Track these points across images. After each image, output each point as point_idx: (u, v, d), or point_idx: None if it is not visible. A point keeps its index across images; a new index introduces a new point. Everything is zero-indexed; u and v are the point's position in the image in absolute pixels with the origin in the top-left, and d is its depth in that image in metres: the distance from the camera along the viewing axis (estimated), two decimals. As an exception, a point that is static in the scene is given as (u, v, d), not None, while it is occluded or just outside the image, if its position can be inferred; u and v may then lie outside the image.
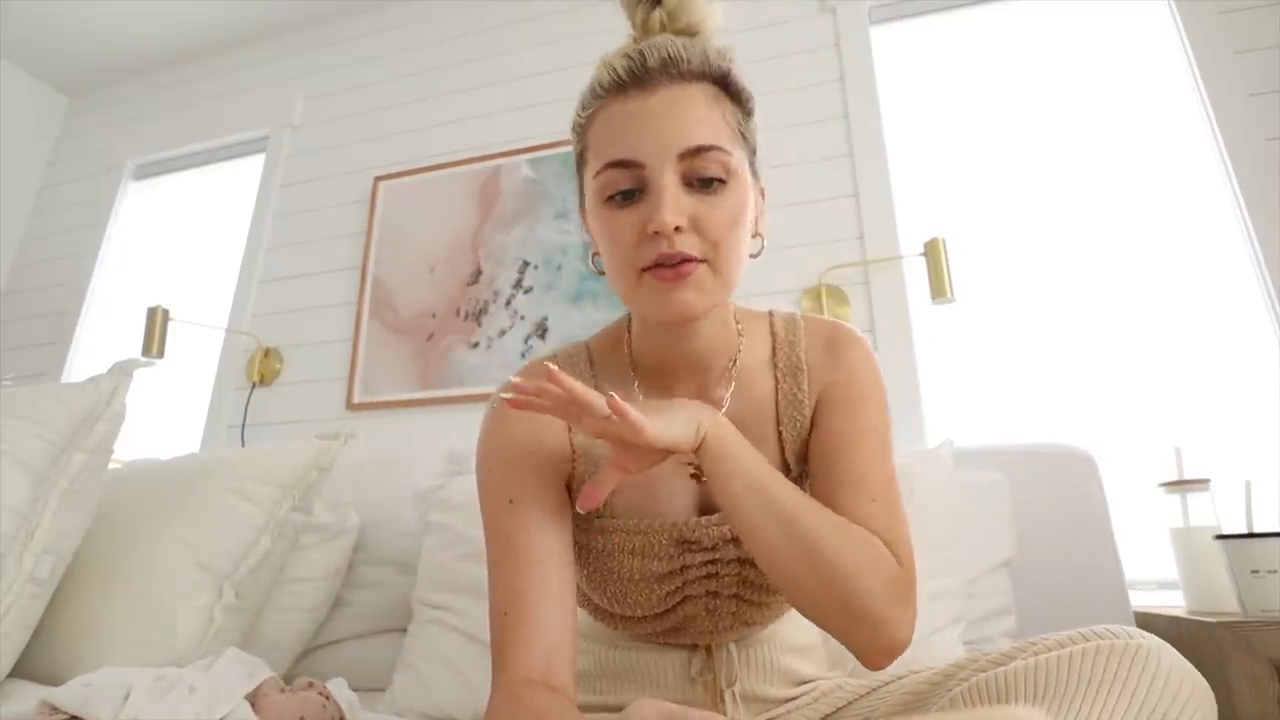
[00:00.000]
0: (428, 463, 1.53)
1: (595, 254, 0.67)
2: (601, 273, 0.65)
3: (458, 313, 1.95)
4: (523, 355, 1.86)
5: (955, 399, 1.57)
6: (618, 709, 0.69)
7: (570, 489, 0.66)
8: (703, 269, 0.58)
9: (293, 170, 2.33)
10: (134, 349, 2.02)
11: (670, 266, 0.57)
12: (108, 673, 0.70)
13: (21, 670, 0.99)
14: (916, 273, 1.62)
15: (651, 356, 0.68)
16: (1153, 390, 1.45)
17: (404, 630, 1.24)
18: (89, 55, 2.62)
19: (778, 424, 0.68)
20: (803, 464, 0.68)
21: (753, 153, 0.64)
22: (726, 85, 0.61)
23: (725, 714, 0.68)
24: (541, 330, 1.87)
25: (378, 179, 2.16)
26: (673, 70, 0.59)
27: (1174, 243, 1.52)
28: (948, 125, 1.77)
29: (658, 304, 0.59)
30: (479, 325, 1.92)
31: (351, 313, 2.05)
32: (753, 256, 0.64)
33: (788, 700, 0.72)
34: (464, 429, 1.74)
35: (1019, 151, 1.69)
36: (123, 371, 1.08)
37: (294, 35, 2.51)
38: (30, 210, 2.66)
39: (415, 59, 2.30)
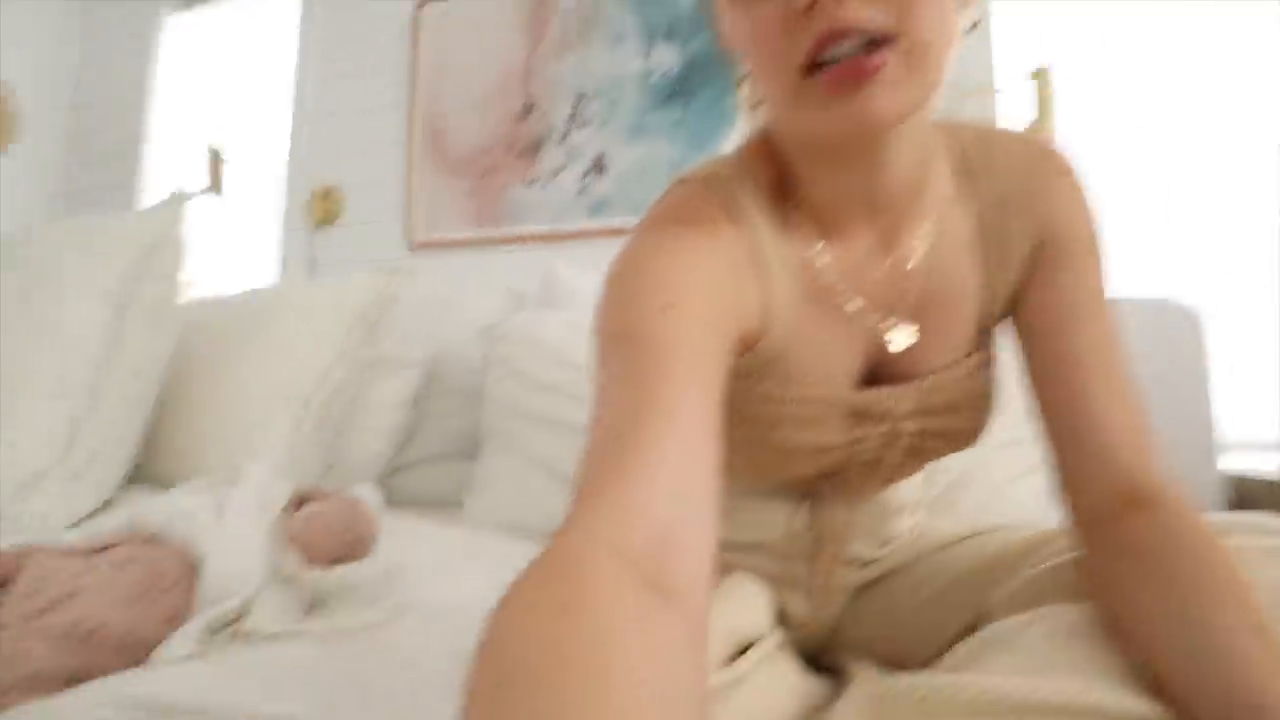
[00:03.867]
0: (490, 301, 1.54)
1: (740, 78, 0.52)
2: (755, 106, 0.51)
3: (512, 149, 1.87)
4: (580, 193, 1.79)
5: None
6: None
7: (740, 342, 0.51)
8: (896, 54, 0.40)
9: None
10: (198, 188, 2.03)
11: (845, 64, 0.41)
12: (179, 494, 0.76)
13: (141, 477, 1.10)
14: (1014, 107, 1.45)
15: (820, 193, 0.52)
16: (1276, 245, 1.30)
17: (474, 456, 1.30)
18: None
19: (982, 275, 0.54)
20: (999, 324, 0.57)
21: None
22: None
23: (820, 574, 0.65)
24: (599, 167, 1.78)
25: (419, 5, 2.01)
26: None
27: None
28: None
29: (826, 119, 0.43)
30: (534, 162, 1.85)
31: (405, 151, 1.99)
32: (966, 32, 0.45)
33: (879, 560, 0.69)
34: (521, 268, 1.72)
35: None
36: (175, 202, 1.08)
37: None
38: (79, 47, 2.61)
39: None
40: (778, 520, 0.65)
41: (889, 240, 0.53)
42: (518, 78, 1.89)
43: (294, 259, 2.08)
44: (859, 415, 0.55)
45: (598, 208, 1.76)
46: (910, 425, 0.56)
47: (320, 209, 2.04)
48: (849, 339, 0.55)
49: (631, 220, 1.68)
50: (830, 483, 0.62)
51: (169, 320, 1.09)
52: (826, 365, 0.55)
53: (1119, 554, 0.45)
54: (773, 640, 0.57)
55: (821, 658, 0.66)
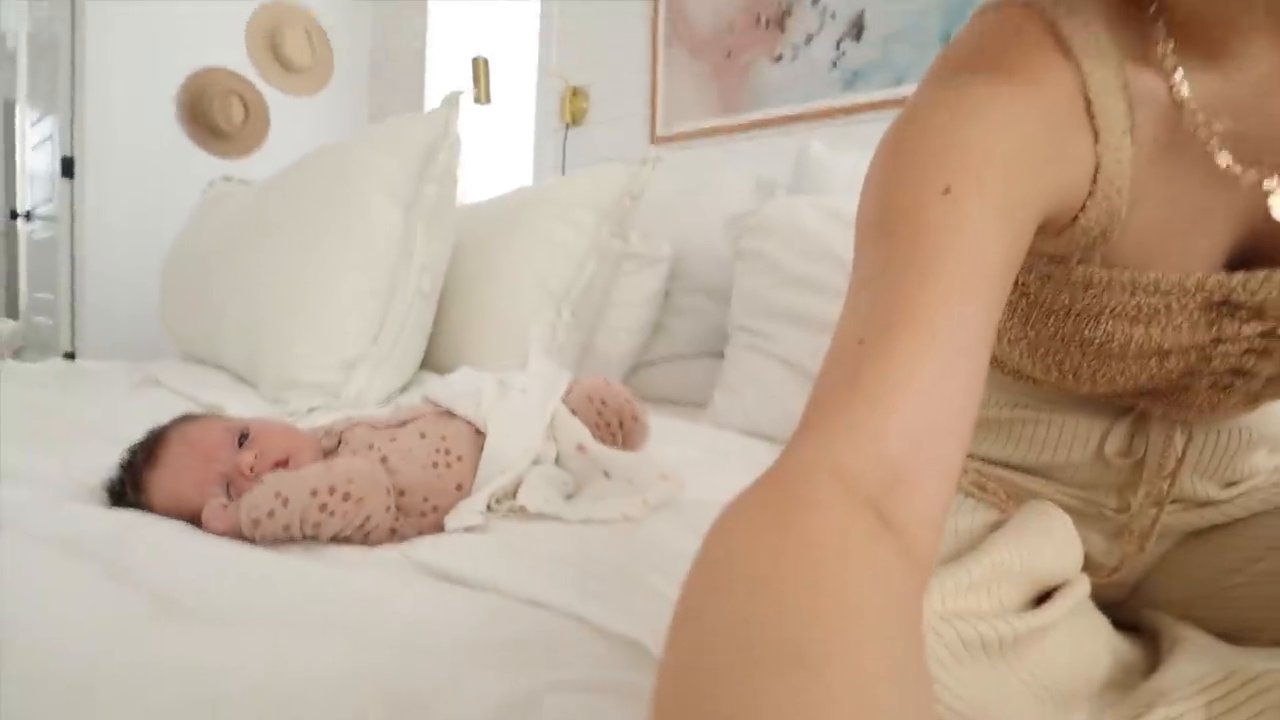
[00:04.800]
0: (736, 190, 1.46)
1: None
2: None
3: (758, 20, 1.71)
4: (834, 65, 1.59)
5: None
6: (1001, 464, 0.56)
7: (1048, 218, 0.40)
8: None
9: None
10: (467, 99, 2.20)
11: None
12: (463, 374, 0.82)
13: (428, 363, 1.25)
14: None
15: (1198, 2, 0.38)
16: None
17: (720, 355, 1.28)
18: None
19: None
20: None
21: None
22: None
23: (1137, 513, 0.52)
24: (857, 30, 1.56)
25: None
26: None
27: None
28: None
29: None
30: (782, 31, 1.67)
31: (648, 39, 1.93)
32: None
33: (1219, 503, 0.54)
34: (769, 155, 1.61)
35: None
36: (449, 103, 1.15)
37: None
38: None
39: None
40: (1086, 440, 0.52)
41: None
42: (763, -65, 1.70)
43: (545, 161, 2.18)
44: (1225, 306, 0.42)
45: (854, 79, 1.56)
46: None
47: (570, 109, 2.09)
48: (1219, 203, 0.41)
49: (897, 92, 1.45)
50: (1166, 401, 0.48)
51: (449, 219, 1.20)
52: (1182, 240, 0.42)
53: None
54: (1082, 587, 0.47)
55: (1117, 613, 0.53)
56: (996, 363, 0.53)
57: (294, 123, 2.72)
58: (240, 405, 1.05)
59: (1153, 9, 0.39)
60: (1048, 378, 0.49)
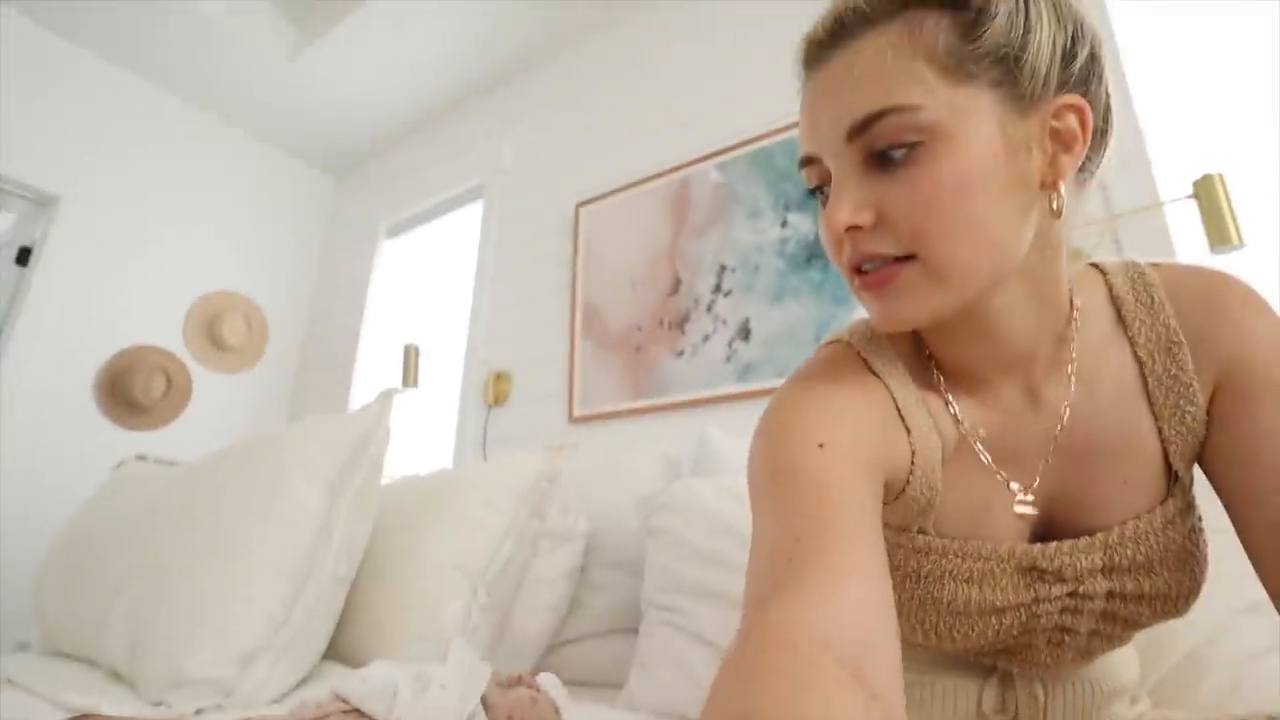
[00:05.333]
0: (646, 469, 1.58)
1: None
2: None
3: (661, 323, 2.01)
4: (727, 360, 1.85)
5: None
6: None
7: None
8: (910, 270, 0.45)
9: (506, 209, 2.57)
10: (396, 381, 2.35)
11: (869, 275, 0.47)
12: (378, 667, 0.80)
13: (332, 653, 1.19)
14: (1184, 220, 1.36)
15: (951, 359, 0.53)
16: None
17: (636, 630, 1.28)
18: (343, 140, 3.14)
19: (1155, 420, 0.52)
20: (1190, 471, 0.53)
21: (1012, 75, 0.43)
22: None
23: None
24: (744, 332, 1.85)
25: (579, 205, 2.30)
26: (845, 27, 0.46)
27: None
28: (1214, 35, 1.46)
29: (873, 317, 0.49)
30: (682, 333, 1.96)
31: (566, 333, 2.20)
32: (1055, 215, 0.46)
33: None
34: (674, 435, 1.78)
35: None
36: (386, 399, 1.26)
37: (496, 90, 2.79)
38: (315, 276, 3.23)
39: (600, 90, 2.43)
40: (966, 698, 0.59)
41: (1033, 392, 0.52)
42: (665, 257, 2.06)
43: (469, 438, 2.28)
44: (1034, 572, 0.51)
45: (745, 372, 1.81)
46: (1099, 585, 0.51)
47: (494, 391, 2.26)
48: (1001, 492, 0.53)
49: (779, 382, 1.70)
50: (1017, 659, 0.56)
51: (371, 505, 1.24)
52: (985, 516, 0.53)
53: None
54: None
55: None
56: None
57: (213, 398, 2.77)
58: (113, 709, 0.95)
59: (928, 356, 0.55)
60: (914, 638, 0.56)
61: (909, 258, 0.45)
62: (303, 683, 1.10)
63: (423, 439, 2.45)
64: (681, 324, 1.97)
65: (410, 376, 2.26)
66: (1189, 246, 1.34)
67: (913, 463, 0.51)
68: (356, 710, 0.74)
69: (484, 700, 0.79)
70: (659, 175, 2.15)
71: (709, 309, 1.93)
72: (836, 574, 0.36)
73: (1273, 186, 1.32)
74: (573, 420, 2.06)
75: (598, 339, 2.11)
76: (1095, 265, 0.57)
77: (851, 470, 0.44)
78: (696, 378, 1.89)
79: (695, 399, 1.86)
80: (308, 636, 1.09)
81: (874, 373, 0.53)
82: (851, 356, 0.54)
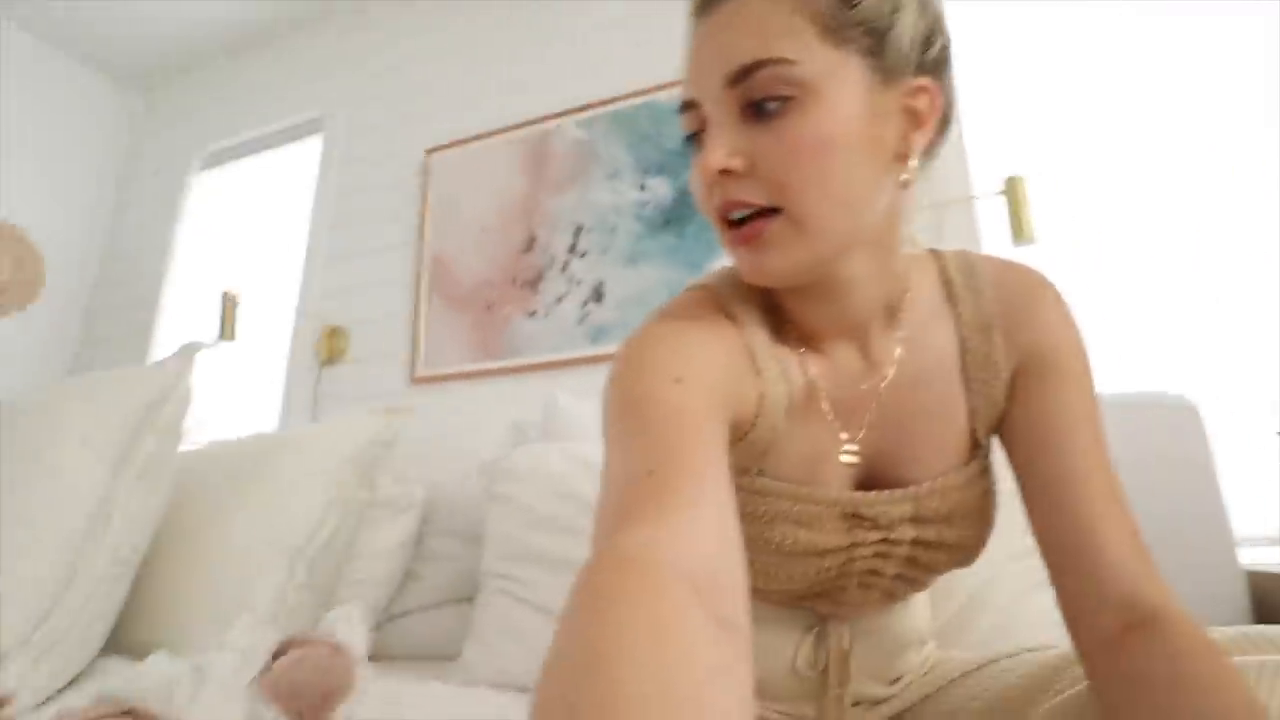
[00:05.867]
0: (491, 434, 1.53)
1: None
2: None
3: (514, 281, 1.93)
4: (579, 322, 1.82)
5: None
6: None
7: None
8: (777, 223, 0.47)
9: (348, 149, 2.34)
10: (211, 334, 2.09)
11: (737, 227, 0.49)
12: (155, 661, 0.72)
13: (113, 647, 1.04)
14: (993, 214, 1.49)
15: (801, 318, 0.57)
16: (1266, 333, 1.29)
17: (472, 601, 1.24)
18: (153, 53, 2.70)
19: (966, 391, 0.57)
20: (991, 438, 0.59)
21: (879, 47, 0.47)
22: None
23: (829, 715, 0.63)
24: (598, 295, 1.82)
25: (429, 152, 2.15)
26: None
27: (1304, 158, 1.34)
28: (1026, 54, 1.60)
29: (739, 266, 0.52)
30: (536, 293, 1.89)
31: (411, 288, 2.06)
32: (902, 186, 0.50)
33: (888, 699, 0.66)
34: (525, 399, 1.72)
35: (1103, 78, 1.52)
36: (187, 354, 1.10)
37: (341, 15, 2.51)
38: (112, 207, 2.79)
39: (458, 28, 2.26)
40: (780, 653, 0.63)
41: (867, 353, 0.57)
42: (520, 213, 1.98)
43: (297, 400, 2.10)
44: (856, 518, 0.56)
45: (598, 335, 1.79)
46: (907, 532, 0.56)
47: (327, 347, 2.08)
48: (835, 442, 0.57)
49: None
50: (831, 601, 0.61)
51: (166, 473, 1.08)
52: (818, 465, 0.57)
53: (1122, 681, 0.44)
54: None
55: None
56: None
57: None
58: None
59: (782, 312, 0.57)
60: (750, 577, 0.58)
61: (774, 211, 0.47)
62: (73, 682, 0.95)
63: (244, 400, 2.22)
64: (535, 283, 1.90)
65: (228, 329, 2.02)
66: (995, 239, 1.48)
67: (759, 406, 0.54)
68: (130, 713, 0.65)
69: (262, 675, 0.72)
70: (518, 126, 2.04)
71: (564, 269, 1.88)
72: (690, 505, 0.37)
73: (1069, 188, 1.49)
74: (415, 381, 1.95)
75: (446, 295, 2.00)
76: (934, 251, 0.61)
77: (705, 406, 0.46)
78: (548, 340, 1.84)
79: (546, 361, 1.81)
80: (78, 630, 0.94)
81: (731, 317, 0.55)
82: (712, 300, 0.56)
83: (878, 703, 0.65)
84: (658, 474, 0.39)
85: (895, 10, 0.47)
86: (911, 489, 0.56)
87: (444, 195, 2.10)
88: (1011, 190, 1.43)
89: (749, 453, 0.55)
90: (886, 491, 0.56)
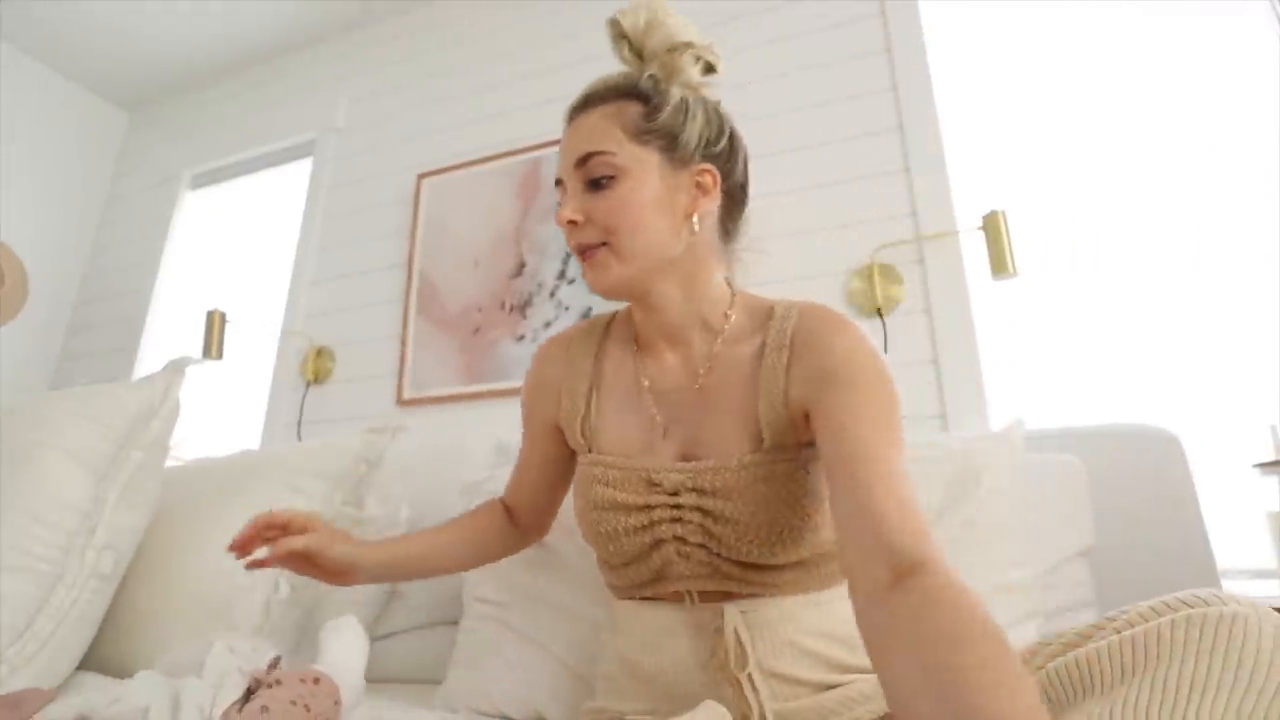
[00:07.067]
0: (477, 455, 1.53)
1: None
2: None
3: (502, 306, 1.95)
4: (568, 347, 1.84)
5: (1024, 380, 1.48)
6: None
7: (560, 426, 0.85)
8: (602, 252, 0.72)
9: (339, 172, 2.36)
10: (196, 352, 2.08)
11: (582, 254, 0.73)
12: (140, 680, 0.70)
13: (91, 663, 1.02)
14: (976, 249, 1.54)
15: (639, 326, 0.81)
16: (1245, 365, 1.34)
17: (457, 623, 1.23)
18: (143, 72, 2.72)
19: (756, 393, 0.72)
20: (778, 436, 0.71)
21: (672, 145, 0.72)
22: (635, 93, 0.73)
23: (749, 698, 0.67)
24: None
25: (421, 176, 2.17)
26: (587, 104, 0.75)
27: (1260, 207, 1.40)
28: (1008, 93, 1.67)
29: (587, 282, 0.74)
30: (524, 318, 1.91)
31: (399, 310, 2.07)
32: (691, 235, 0.74)
33: (830, 687, 0.69)
34: (511, 421, 1.72)
35: (1082, 115, 1.58)
36: (175, 369, 1.10)
37: (333, 40, 2.55)
38: (98, 223, 2.78)
39: (452, 56, 2.31)
40: (696, 653, 0.71)
41: (688, 359, 0.78)
42: (510, 239, 2.00)
43: (281, 419, 2.08)
44: (650, 482, 0.73)
45: (586, 359, 1.81)
46: (691, 499, 0.70)
47: (313, 368, 2.08)
48: (652, 426, 0.76)
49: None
50: (672, 578, 0.72)
51: (150, 489, 1.07)
52: (643, 447, 0.76)
53: (887, 619, 0.48)
54: None
55: None
56: (599, 561, 0.84)
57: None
58: None
59: (633, 331, 0.82)
60: (588, 531, 0.77)
61: (604, 244, 0.72)
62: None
63: (228, 418, 2.20)
64: (524, 308, 1.92)
65: (214, 347, 2.01)
66: (977, 272, 1.53)
67: (593, 398, 0.81)
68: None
69: (234, 708, 0.71)
70: (510, 154, 2.08)
71: (552, 295, 1.90)
72: (517, 480, 0.92)
73: (1052, 222, 1.54)
74: (401, 403, 1.95)
75: (434, 318, 2.01)
76: (780, 298, 0.79)
77: (533, 430, 0.88)
78: (536, 364, 1.85)
79: (533, 386, 1.82)
80: (56, 646, 0.93)
81: (588, 333, 0.85)
82: (605, 320, 0.87)
83: (823, 687, 0.69)
84: (515, 471, 0.98)
85: (686, 121, 0.73)
86: (694, 464, 0.72)
87: (434, 219, 2.12)
88: (990, 225, 1.48)
89: (585, 437, 0.81)
90: (676, 464, 0.73)
